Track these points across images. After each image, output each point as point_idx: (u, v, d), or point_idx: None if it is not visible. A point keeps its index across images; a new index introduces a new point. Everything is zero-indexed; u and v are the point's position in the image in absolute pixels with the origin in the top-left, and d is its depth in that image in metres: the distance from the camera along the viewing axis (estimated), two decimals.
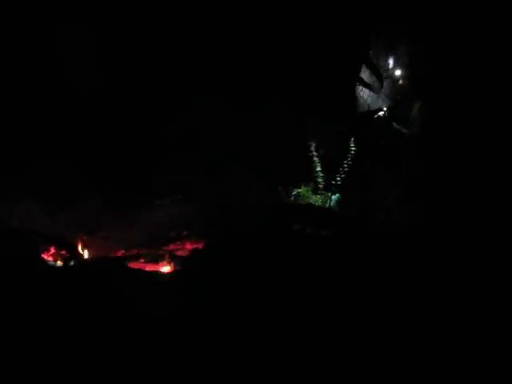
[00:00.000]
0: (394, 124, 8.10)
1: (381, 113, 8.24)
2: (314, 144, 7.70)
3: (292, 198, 7.63)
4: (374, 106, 8.64)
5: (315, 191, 7.59)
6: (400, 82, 8.15)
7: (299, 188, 7.66)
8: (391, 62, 8.37)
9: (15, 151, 7.28)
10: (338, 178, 7.46)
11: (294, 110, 8.21)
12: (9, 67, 7.50)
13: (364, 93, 8.69)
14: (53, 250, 6.31)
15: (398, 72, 8.15)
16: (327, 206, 7.45)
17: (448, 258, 4.97)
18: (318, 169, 7.56)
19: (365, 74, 8.58)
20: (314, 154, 7.61)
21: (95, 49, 7.78)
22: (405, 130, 7.95)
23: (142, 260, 6.52)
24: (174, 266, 6.27)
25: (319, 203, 7.46)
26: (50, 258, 6.20)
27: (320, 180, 7.53)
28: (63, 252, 6.31)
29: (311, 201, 7.47)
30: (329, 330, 4.05)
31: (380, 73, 8.37)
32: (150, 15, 8.15)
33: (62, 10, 7.57)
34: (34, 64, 7.64)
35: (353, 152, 7.57)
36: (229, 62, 8.36)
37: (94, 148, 7.72)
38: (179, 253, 6.65)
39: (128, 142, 7.92)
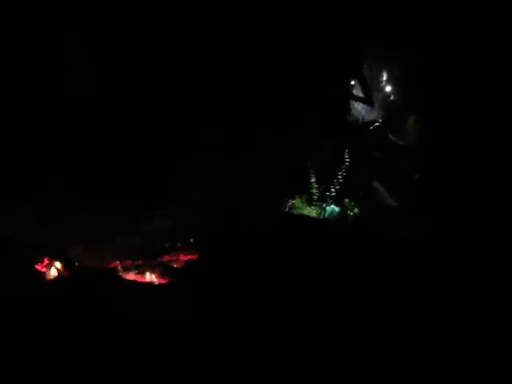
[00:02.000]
0: (390, 136, 8.17)
1: (376, 124, 8.30)
2: (309, 155, 7.74)
3: (287, 210, 7.63)
4: (369, 118, 8.71)
5: (310, 202, 7.60)
6: (393, 96, 8.25)
7: (294, 199, 7.67)
8: (385, 75, 8.47)
9: (9, 161, 7.25)
10: (333, 190, 7.48)
11: (290, 121, 8.23)
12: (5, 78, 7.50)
13: (358, 104, 8.76)
14: (46, 261, 6.27)
15: (390, 86, 8.25)
16: (321, 217, 7.46)
17: (445, 266, 5.00)
18: (313, 180, 7.58)
19: (358, 87, 8.66)
20: (309, 165, 7.64)
21: (89, 61, 7.79)
22: (401, 142, 8.01)
23: (136, 271, 6.50)
24: (168, 277, 6.26)
25: (313, 214, 7.47)
26: (44, 270, 6.16)
27: (314, 191, 7.55)
28: (57, 263, 6.27)
29: (305, 212, 7.48)
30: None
31: (369, 90, 8.47)
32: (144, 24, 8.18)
33: (56, 22, 7.60)
34: (31, 75, 7.64)
35: (347, 163, 7.59)
36: (225, 66, 8.39)
37: (90, 159, 7.71)
38: (173, 264, 6.63)
39: (123, 154, 7.90)
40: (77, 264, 6.42)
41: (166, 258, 6.93)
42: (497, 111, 6.86)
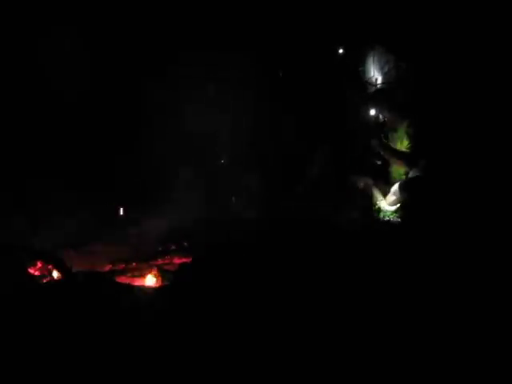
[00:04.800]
0: (384, 140, 8.18)
1: (370, 128, 8.32)
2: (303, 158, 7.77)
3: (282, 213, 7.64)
4: (363, 122, 8.73)
5: None
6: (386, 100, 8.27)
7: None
8: (379, 78, 8.50)
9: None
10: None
11: (282, 124, 8.26)
12: None
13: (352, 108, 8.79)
14: (39, 265, 6.22)
15: (384, 91, 8.28)
16: None
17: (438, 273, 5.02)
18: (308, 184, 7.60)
19: (352, 90, 8.70)
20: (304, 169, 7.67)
21: (81, 60, 7.76)
22: (395, 146, 8.01)
23: (130, 274, 6.48)
24: (162, 280, 6.23)
25: None
26: (37, 273, 6.12)
27: None
28: (50, 266, 6.23)
29: None
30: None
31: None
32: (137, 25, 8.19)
33: (46, 19, 7.56)
34: (19, 76, 7.61)
35: (343, 167, 7.61)
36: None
37: (82, 161, 7.68)
38: (167, 267, 6.61)
39: (117, 155, 7.89)
40: (69, 267, 6.39)
41: (160, 261, 6.90)
42: (490, 118, 6.91)
